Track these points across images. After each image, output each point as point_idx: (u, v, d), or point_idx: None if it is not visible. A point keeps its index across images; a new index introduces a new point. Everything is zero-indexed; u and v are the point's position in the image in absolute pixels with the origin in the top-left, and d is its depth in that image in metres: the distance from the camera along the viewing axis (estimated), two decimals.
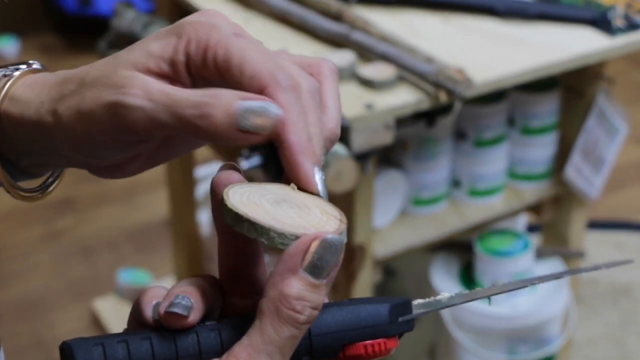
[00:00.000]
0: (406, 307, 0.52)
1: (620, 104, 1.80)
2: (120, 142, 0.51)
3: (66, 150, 0.53)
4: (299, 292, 0.45)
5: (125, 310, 2.27)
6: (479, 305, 1.78)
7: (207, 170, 2.25)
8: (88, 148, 0.52)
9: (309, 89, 0.50)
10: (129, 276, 2.33)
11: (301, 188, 0.50)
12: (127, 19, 1.71)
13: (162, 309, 0.47)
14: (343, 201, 1.53)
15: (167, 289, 0.49)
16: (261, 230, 0.46)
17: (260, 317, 0.46)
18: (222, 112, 0.48)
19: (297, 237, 0.46)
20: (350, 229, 1.55)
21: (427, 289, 1.84)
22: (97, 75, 0.50)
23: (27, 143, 0.54)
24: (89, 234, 2.63)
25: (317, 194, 0.49)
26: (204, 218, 2.18)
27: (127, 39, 1.73)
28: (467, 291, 0.55)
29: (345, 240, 0.47)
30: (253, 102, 0.48)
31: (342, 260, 0.47)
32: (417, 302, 0.54)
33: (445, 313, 1.79)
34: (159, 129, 0.49)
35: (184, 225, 2.12)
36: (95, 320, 2.31)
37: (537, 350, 1.81)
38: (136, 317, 0.49)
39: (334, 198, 1.53)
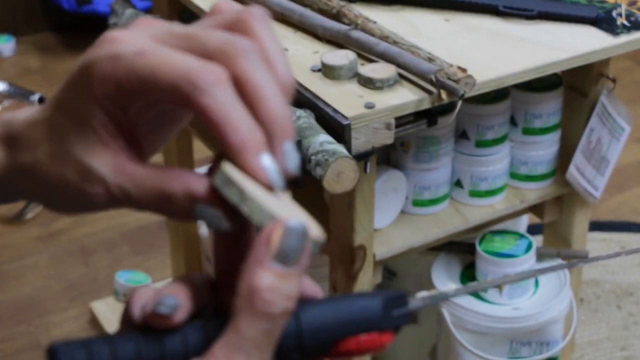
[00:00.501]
0: (401, 300, 0.51)
1: (623, 103, 1.79)
2: (79, 208, 0.52)
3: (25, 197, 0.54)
4: (268, 283, 0.45)
5: None
6: (481, 307, 1.77)
7: (205, 171, 2.24)
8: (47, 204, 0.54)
9: (242, 52, 0.48)
10: (127, 277, 2.32)
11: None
12: (125, 17, 1.70)
13: (147, 309, 0.47)
14: (343, 201, 1.52)
15: (156, 289, 0.49)
16: (245, 198, 0.46)
17: (235, 314, 0.45)
18: (180, 214, 0.49)
19: (272, 218, 0.46)
20: (350, 230, 1.55)
21: (428, 290, 1.82)
22: (50, 156, 0.51)
23: None
24: (87, 235, 2.62)
25: (269, 187, 0.48)
26: None
27: None
28: (473, 283, 0.53)
29: (306, 228, 0.46)
30: (203, 207, 0.48)
31: (311, 247, 0.46)
32: (421, 294, 0.54)
33: (447, 314, 1.78)
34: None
35: (182, 226, 2.12)
36: (93, 322, 2.30)
37: (539, 352, 1.80)
38: (126, 319, 0.49)
39: (334, 198, 1.53)
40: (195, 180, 0.49)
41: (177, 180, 0.49)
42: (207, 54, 0.48)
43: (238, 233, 0.49)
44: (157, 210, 0.49)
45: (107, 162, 0.49)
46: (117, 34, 0.49)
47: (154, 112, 0.53)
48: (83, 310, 2.35)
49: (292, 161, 0.49)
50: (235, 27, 0.51)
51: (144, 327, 0.48)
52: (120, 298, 2.29)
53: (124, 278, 2.31)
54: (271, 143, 0.48)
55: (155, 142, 0.54)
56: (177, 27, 0.50)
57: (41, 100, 0.48)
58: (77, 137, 0.49)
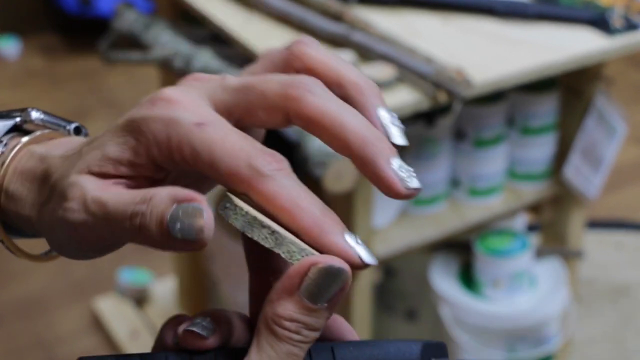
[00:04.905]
0: (440, 350, 0.48)
1: (619, 104, 1.81)
2: (95, 248, 0.49)
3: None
4: (291, 314, 0.44)
5: (126, 309, 2.28)
6: (478, 304, 1.78)
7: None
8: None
9: (305, 89, 0.45)
10: (130, 275, 2.33)
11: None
12: (128, 19, 1.72)
13: (181, 329, 0.46)
14: (343, 201, 1.53)
15: (190, 317, 0.48)
16: (281, 240, 0.44)
17: (257, 335, 0.45)
18: (155, 223, 0.43)
19: (312, 254, 0.44)
20: (350, 229, 1.55)
21: (427, 289, 1.84)
22: (57, 179, 0.48)
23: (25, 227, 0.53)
24: None
25: (360, 266, 0.45)
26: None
27: (127, 40, 1.74)
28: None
29: (349, 270, 0.44)
30: (184, 205, 0.43)
31: (348, 286, 0.44)
32: (466, 357, 0.52)
33: (445, 312, 1.79)
34: (107, 239, 0.47)
35: None
36: (96, 320, 2.31)
37: (536, 349, 1.81)
38: (159, 344, 0.48)
39: (334, 198, 1.54)
40: (163, 203, 0.44)
41: (157, 190, 0.44)
42: (267, 105, 0.45)
43: (275, 276, 0.47)
44: (131, 229, 0.44)
45: (90, 189, 0.45)
46: (173, 93, 0.45)
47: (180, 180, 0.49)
48: (86, 307, 2.36)
49: (410, 177, 0.46)
50: (290, 62, 0.48)
51: (176, 349, 0.47)
52: (123, 295, 2.31)
53: (126, 275, 2.33)
54: (378, 168, 0.45)
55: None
56: (231, 80, 0.47)
57: (77, 130, 0.47)
58: (91, 157, 0.46)
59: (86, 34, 3.49)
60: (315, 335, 0.44)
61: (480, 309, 1.77)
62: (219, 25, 1.64)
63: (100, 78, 3.35)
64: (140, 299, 2.30)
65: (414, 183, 0.46)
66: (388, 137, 0.47)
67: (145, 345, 2.16)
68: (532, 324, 1.79)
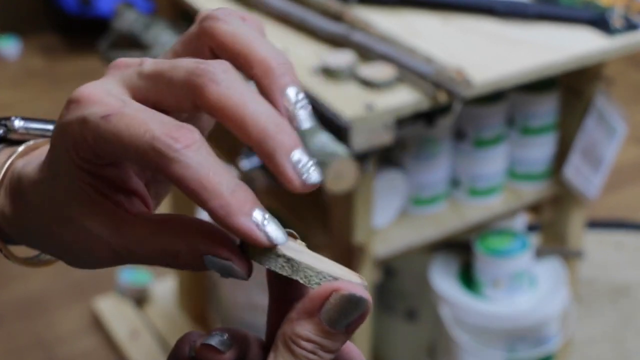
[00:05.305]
0: None
1: (619, 104, 1.81)
2: (92, 265, 0.51)
3: None
4: (309, 335, 0.45)
5: (126, 309, 2.28)
6: (478, 304, 1.78)
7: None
8: None
9: (209, 78, 0.44)
10: (130, 275, 2.33)
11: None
12: (128, 19, 1.72)
13: (198, 343, 0.47)
14: (343, 201, 1.53)
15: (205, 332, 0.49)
16: (297, 267, 0.44)
17: (274, 351, 0.45)
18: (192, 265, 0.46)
19: (335, 279, 0.45)
20: (350, 229, 1.56)
21: (427, 289, 1.84)
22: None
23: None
24: None
25: (270, 245, 0.45)
26: (204, 217, 2.19)
27: (127, 40, 1.74)
28: None
29: (370, 300, 0.45)
30: (214, 260, 0.45)
31: (368, 314, 0.45)
32: None
33: (445, 312, 1.79)
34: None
35: None
36: (96, 320, 2.31)
37: (536, 349, 1.81)
38: (173, 358, 0.48)
39: (334, 198, 1.54)
40: (201, 234, 0.46)
41: (181, 236, 0.46)
42: (176, 92, 0.45)
43: (292, 302, 0.47)
44: (167, 266, 0.46)
45: (104, 223, 0.46)
46: (84, 91, 0.45)
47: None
48: (86, 307, 2.36)
49: (309, 171, 0.45)
50: (203, 40, 0.47)
51: None
52: (123, 295, 2.31)
53: (126, 275, 2.33)
54: (276, 162, 0.44)
55: (160, 184, 0.52)
56: (146, 66, 0.46)
57: None
58: (69, 201, 0.47)
59: (86, 34, 3.49)
60: (330, 357, 0.45)
61: (480, 309, 1.77)
62: None
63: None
64: (140, 299, 2.30)
65: (313, 177, 0.45)
66: (294, 122, 0.46)
67: (145, 345, 2.16)
68: (532, 324, 1.79)
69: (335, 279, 0.45)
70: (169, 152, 0.43)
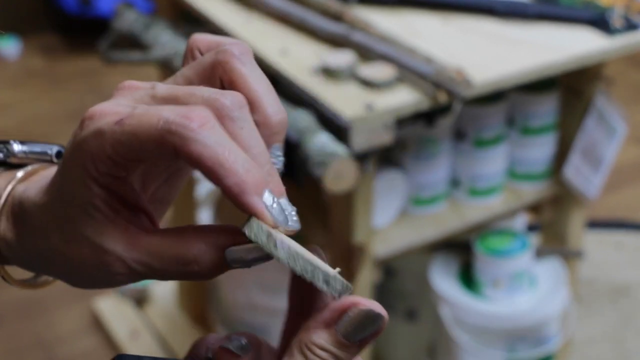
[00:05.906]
0: None
1: (619, 104, 1.81)
2: (102, 284, 0.52)
3: None
4: (324, 344, 0.46)
5: (126, 309, 2.28)
6: (478, 304, 1.78)
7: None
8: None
9: (224, 113, 0.46)
10: None
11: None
12: (128, 19, 1.72)
13: (216, 345, 0.49)
14: (343, 201, 1.54)
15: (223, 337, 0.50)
16: (296, 258, 0.46)
17: (289, 356, 0.47)
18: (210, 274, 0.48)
19: (347, 286, 0.46)
20: (350, 229, 1.56)
21: (427, 289, 1.84)
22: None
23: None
24: None
25: (274, 226, 0.47)
26: (204, 217, 2.19)
27: (127, 40, 1.74)
28: None
29: (386, 316, 0.47)
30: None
31: (382, 330, 0.47)
32: None
33: (445, 312, 1.79)
34: None
35: (184, 224, 2.12)
36: (96, 320, 2.31)
37: (536, 349, 1.81)
38: (189, 358, 0.50)
39: (334, 198, 1.54)
40: (217, 232, 0.48)
41: (195, 244, 0.48)
42: None
43: (310, 312, 0.49)
44: (184, 277, 0.48)
45: (119, 239, 0.48)
46: (96, 108, 0.47)
47: (155, 174, 0.52)
48: (86, 308, 2.36)
49: (278, 216, 0.47)
50: (216, 71, 0.49)
51: None
52: (123, 295, 2.31)
53: None
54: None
55: (164, 200, 0.54)
56: (160, 89, 0.48)
57: (59, 153, 0.47)
58: (84, 220, 0.48)
59: (86, 34, 3.50)
60: None
61: (480, 309, 1.78)
62: (219, 25, 1.64)
63: (100, 78, 3.35)
64: (140, 299, 2.30)
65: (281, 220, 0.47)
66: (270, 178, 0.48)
67: (145, 345, 2.16)
68: (532, 324, 1.79)
69: (329, 275, 0.46)
70: (185, 132, 0.44)
